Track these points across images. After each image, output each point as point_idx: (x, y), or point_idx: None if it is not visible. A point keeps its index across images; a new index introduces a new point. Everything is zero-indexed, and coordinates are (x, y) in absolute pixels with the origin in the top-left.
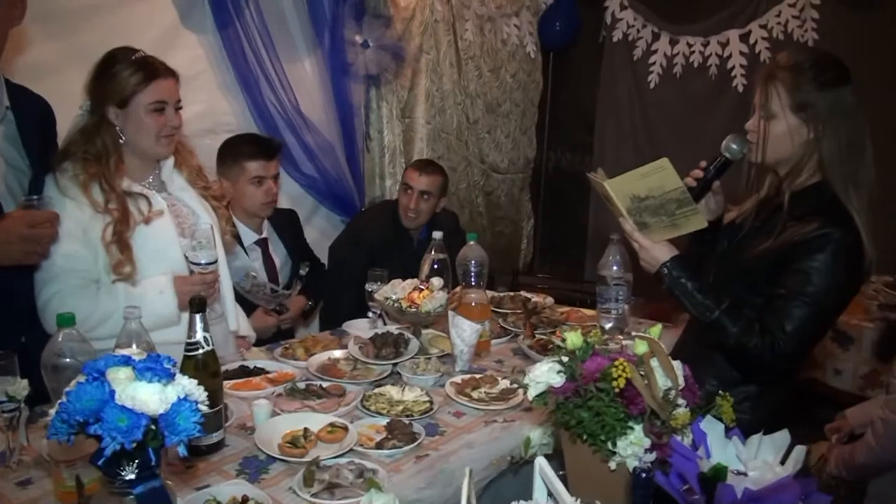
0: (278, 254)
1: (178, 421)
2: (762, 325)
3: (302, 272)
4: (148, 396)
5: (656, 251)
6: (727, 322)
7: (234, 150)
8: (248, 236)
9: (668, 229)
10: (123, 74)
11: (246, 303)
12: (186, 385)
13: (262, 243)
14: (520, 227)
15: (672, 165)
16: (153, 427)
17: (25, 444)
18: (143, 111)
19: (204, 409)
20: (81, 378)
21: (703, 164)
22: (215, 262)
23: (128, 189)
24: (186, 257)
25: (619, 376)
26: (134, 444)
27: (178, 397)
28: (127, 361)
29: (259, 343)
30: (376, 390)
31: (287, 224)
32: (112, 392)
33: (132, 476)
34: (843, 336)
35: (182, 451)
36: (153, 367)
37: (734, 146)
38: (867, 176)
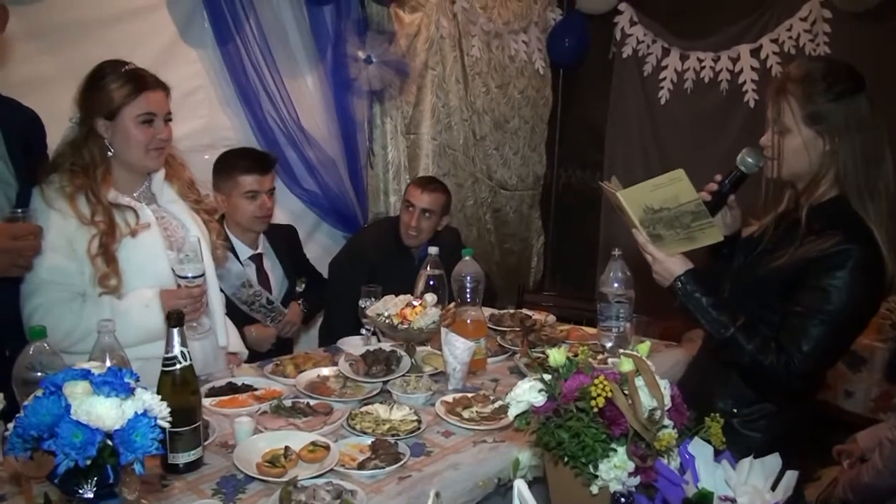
0: (274, 270)
1: (135, 437)
2: (778, 344)
3: (298, 289)
4: (104, 411)
5: (670, 264)
6: (742, 339)
7: (229, 164)
8: (243, 251)
9: (682, 242)
10: (112, 86)
11: (241, 316)
12: (147, 400)
13: (257, 259)
14: (529, 244)
15: (687, 177)
16: (108, 443)
17: (1, 459)
18: (132, 123)
19: (164, 424)
20: (39, 392)
21: (719, 177)
22: (202, 275)
23: (115, 201)
24: (174, 271)
25: (599, 395)
26: (89, 462)
27: (136, 412)
28: (85, 375)
29: (257, 357)
30: (363, 409)
31: (284, 240)
32: (68, 406)
33: (90, 495)
34: (855, 357)
35: (139, 469)
36: (111, 381)
37: (750, 159)
38: (886, 187)
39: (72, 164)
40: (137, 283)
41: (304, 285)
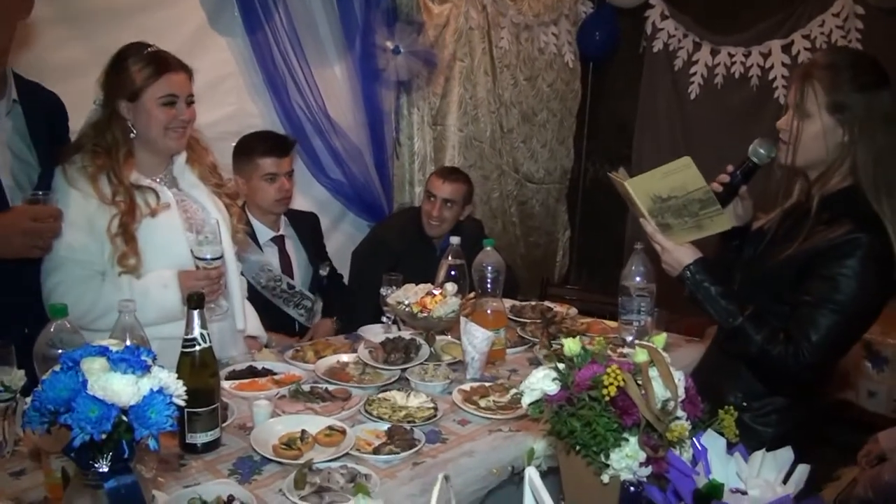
0: (297, 254)
1: (150, 414)
2: (786, 334)
3: (322, 272)
4: (120, 387)
5: (679, 253)
6: (751, 329)
7: (247, 148)
8: (264, 233)
9: (691, 231)
10: (134, 68)
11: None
12: (163, 378)
13: (279, 240)
14: (555, 238)
15: (695, 164)
16: (124, 419)
17: (21, 434)
18: (154, 104)
19: (180, 402)
20: (57, 367)
21: (730, 168)
22: (220, 257)
23: (136, 182)
24: (192, 252)
25: (611, 384)
26: (104, 436)
27: (152, 389)
28: (103, 352)
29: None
30: (381, 395)
31: (308, 226)
32: (84, 382)
33: (105, 469)
34: (878, 356)
35: (153, 445)
36: (128, 359)
37: (762, 150)
38: None
39: (94, 145)
40: (156, 264)
41: (328, 269)
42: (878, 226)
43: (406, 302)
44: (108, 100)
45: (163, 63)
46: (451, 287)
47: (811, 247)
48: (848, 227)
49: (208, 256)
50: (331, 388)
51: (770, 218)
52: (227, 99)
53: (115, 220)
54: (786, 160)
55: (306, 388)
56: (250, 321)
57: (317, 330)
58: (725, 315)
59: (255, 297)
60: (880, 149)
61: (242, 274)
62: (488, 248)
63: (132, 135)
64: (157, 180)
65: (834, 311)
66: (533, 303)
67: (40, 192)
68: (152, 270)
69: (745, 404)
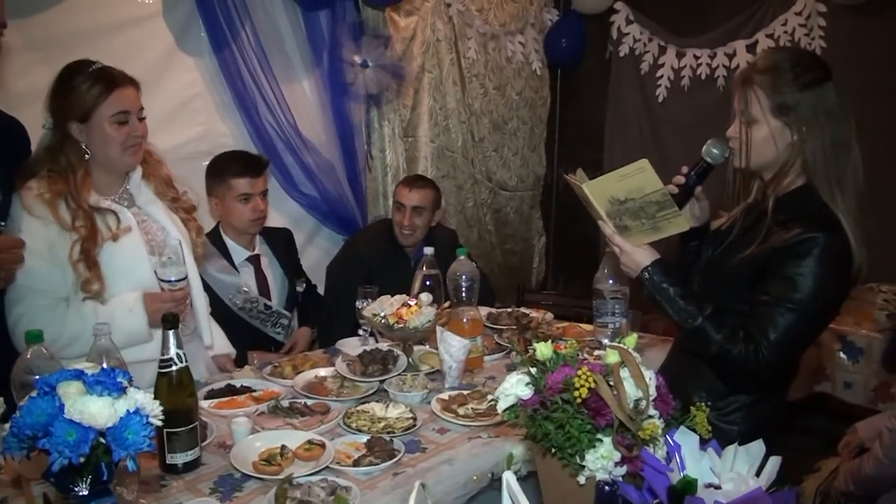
0: (273, 272)
1: (127, 435)
2: (746, 333)
3: (299, 288)
4: (97, 410)
5: (637, 255)
6: (710, 329)
7: (220, 168)
8: (240, 253)
9: (649, 233)
10: (82, 88)
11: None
12: (139, 399)
13: (254, 260)
14: (531, 244)
15: (663, 166)
16: (102, 441)
17: (2, 462)
18: (106, 123)
19: (157, 422)
20: (34, 393)
21: (685, 169)
22: (185, 278)
23: (95, 204)
24: (157, 275)
25: (582, 386)
26: (82, 459)
27: (128, 410)
28: (79, 376)
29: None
30: (359, 407)
31: (282, 243)
32: (61, 406)
33: (86, 492)
34: (852, 347)
35: (131, 465)
36: (104, 381)
37: (715, 150)
38: (855, 176)
39: (49, 170)
40: (121, 287)
41: (304, 285)
42: (834, 223)
43: (382, 314)
44: (58, 122)
45: (110, 79)
46: (426, 297)
47: (769, 247)
48: (803, 227)
49: (173, 278)
50: (309, 402)
51: (729, 217)
52: (196, 119)
53: (76, 245)
54: (739, 165)
55: (285, 403)
56: (217, 339)
57: (297, 339)
58: (685, 315)
59: (231, 315)
60: (827, 144)
61: (206, 291)
62: (462, 257)
63: (87, 156)
64: (116, 199)
65: (791, 311)
66: (509, 309)
67: (2, 223)
68: (116, 295)
69: (708, 403)
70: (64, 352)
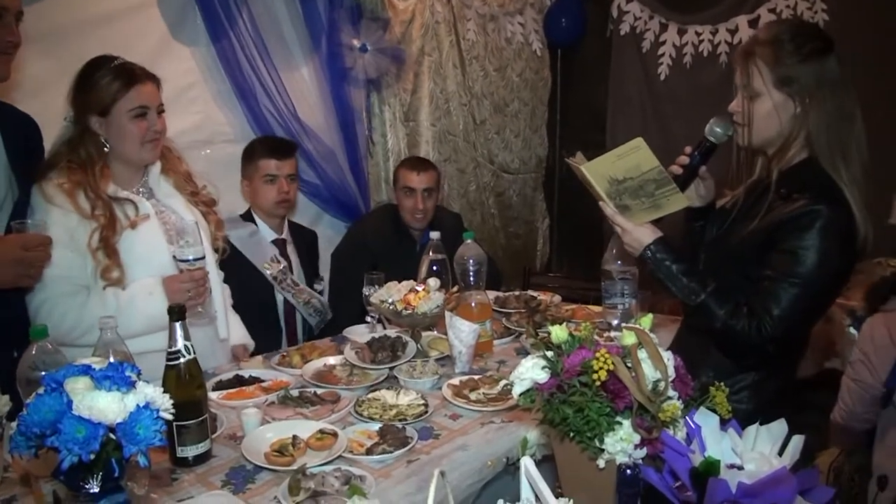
0: (295, 262)
1: (138, 430)
2: (749, 308)
3: (317, 287)
4: (106, 405)
5: (639, 234)
6: (714, 305)
7: (251, 150)
8: (268, 234)
9: (649, 211)
10: (103, 83)
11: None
12: (149, 393)
13: (280, 243)
14: (535, 227)
15: (647, 145)
16: (112, 437)
17: (10, 460)
18: (125, 118)
19: (167, 416)
20: (41, 390)
21: (688, 149)
22: (203, 257)
23: (114, 195)
24: (175, 257)
25: (600, 368)
26: (93, 456)
27: (138, 405)
28: (86, 371)
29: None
30: (370, 395)
31: (306, 242)
32: (69, 402)
33: (96, 489)
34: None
35: (143, 461)
36: (112, 376)
37: (718, 129)
38: (859, 148)
39: (69, 162)
40: (140, 275)
41: (322, 284)
42: (837, 196)
43: (390, 300)
44: (79, 116)
45: (131, 75)
46: (433, 282)
47: (771, 221)
48: (806, 200)
49: (190, 257)
50: (319, 391)
51: (734, 195)
52: (193, 108)
53: (95, 234)
54: (743, 141)
55: (295, 393)
56: (236, 330)
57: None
58: (688, 292)
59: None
60: (830, 114)
61: (225, 282)
62: (468, 241)
63: (106, 149)
64: (135, 191)
65: (794, 285)
66: (517, 293)
67: (26, 221)
68: (136, 281)
69: (716, 382)
70: (83, 339)
